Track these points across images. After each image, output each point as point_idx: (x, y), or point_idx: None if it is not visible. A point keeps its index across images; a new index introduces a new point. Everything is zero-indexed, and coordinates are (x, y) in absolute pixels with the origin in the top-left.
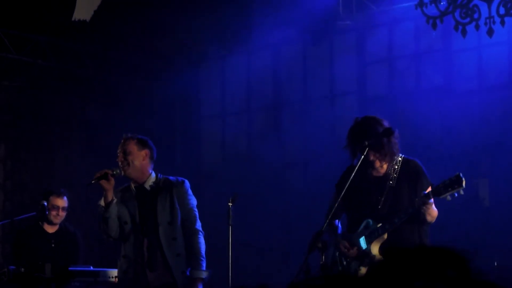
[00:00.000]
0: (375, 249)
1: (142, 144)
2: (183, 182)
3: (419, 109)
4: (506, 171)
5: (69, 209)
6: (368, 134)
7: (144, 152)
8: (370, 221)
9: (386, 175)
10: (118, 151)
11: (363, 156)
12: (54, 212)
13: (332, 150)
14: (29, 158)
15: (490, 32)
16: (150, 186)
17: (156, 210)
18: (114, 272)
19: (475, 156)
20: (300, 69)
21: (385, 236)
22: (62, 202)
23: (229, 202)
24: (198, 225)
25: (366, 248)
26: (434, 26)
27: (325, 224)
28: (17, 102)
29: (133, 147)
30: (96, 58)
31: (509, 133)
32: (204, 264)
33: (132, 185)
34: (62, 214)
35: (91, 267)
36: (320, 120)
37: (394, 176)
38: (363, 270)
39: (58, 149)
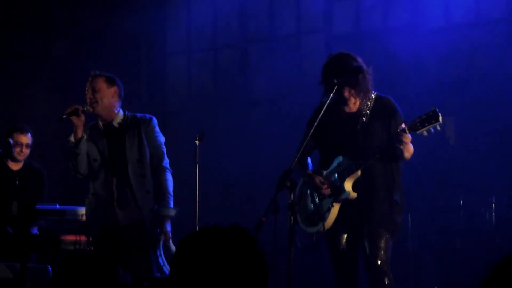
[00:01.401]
0: (348, 186)
1: (111, 81)
2: (150, 119)
3: (385, 47)
4: (472, 109)
5: (33, 146)
6: (343, 70)
7: (113, 90)
8: (343, 157)
9: (359, 111)
10: (86, 88)
11: (332, 94)
12: (18, 149)
13: (298, 88)
14: None
15: None
16: (118, 123)
17: (124, 148)
18: (81, 211)
19: (441, 94)
20: (267, 6)
21: (359, 172)
22: (26, 138)
23: (196, 140)
24: (166, 162)
25: (339, 184)
26: None
27: (294, 162)
28: None
29: (101, 84)
30: None
31: (474, 72)
32: (171, 202)
33: (100, 123)
34: (26, 151)
35: (57, 205)
36: (286, 58)
37: (367, 113)
38: (336, 206)
39: (23, 86)
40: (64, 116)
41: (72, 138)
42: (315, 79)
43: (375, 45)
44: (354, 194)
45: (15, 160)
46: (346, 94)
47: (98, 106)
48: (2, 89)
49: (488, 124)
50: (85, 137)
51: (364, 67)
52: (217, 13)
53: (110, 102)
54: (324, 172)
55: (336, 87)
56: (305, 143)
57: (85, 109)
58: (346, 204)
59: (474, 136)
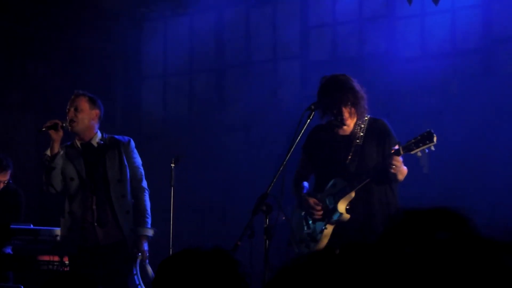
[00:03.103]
0: (341, 207)
1: (94, 103)
2: (129, 141)
3: (361, 75)
4: (446, 139)
5: (11, 176)
6: (345, 88)
7: (95, 112)
8: (338, 179)
9: (353, 134)
10: (68, 106)
11: (328, 116)
12: None
13: (274, 114)
14: None
15: (436, 0)
16: (98, 143)
17: (105, 167)
18: (55, 231)
19: (417, 122)
20: (243, 31)
21: (353, 194)
22: (5, 176)
23: (172, 163)
24: (144, 183)
25: (333, 206)
26: None
27: (270, 187)
28: None
29: (84, 104)
30: (38, 15)
31: (449, 101)
32: (149, 222)
33: (78, 142)
34: (2, 186)
35: (31, 225)
36: (262, 83)
37: (361, 135)
38: (329, 228)
39: None
40: (43, 129)
41: (48, 152)
42: (291, 105)
43: (351, 72)
44: (347, 216)
45: None
46: (346, 114)
47: (77, 125)
48: None
49: (461, 154)
50: (61, 152)
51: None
52: (193, 37)
53: (90, 123)
54: (319, 195)
55: (335, 105)
56: (301, 166)
57: (64, 125)
58: (342, 226)
59: (447, 166)
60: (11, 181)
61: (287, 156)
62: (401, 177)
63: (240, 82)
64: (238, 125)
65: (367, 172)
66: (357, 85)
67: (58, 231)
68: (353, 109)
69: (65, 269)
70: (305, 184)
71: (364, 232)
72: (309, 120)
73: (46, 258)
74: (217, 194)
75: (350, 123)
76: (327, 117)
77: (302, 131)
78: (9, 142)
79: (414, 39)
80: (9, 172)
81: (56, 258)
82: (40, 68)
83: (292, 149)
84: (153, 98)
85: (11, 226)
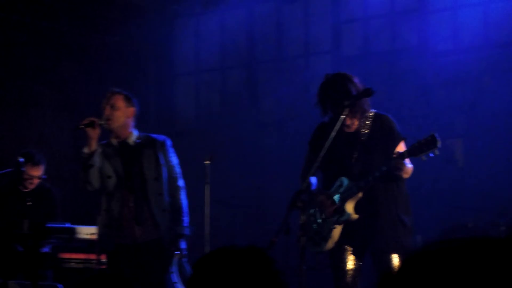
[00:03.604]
0: (349, 207)
1: (129, 100)
2: (165, 140)
3: (394, 69)
4: (480, 131)
5: (45, 173)
6: (339, 92)
7: (131, 110)
8: (344, 179)
9: (358, 131)
10: (104, 104)
11: (341, 116)
12: (29, 180)
13: (306, 109)
14: (2, 114)
15: None
16: (134, 142)
17: (142, 166)
18: (91, 229)
19: (449, 116)
20: (274, 27)
21: (360, 194)
22: (38, 171)
23: (206, 161)
24: (181, 182)
25: (340, 206)
26: None
27: (305, 183)
28: None
29: (120, 102)
30: (70, 13)
31: (483, 93)
32: (186, 220)
33: (114, 141)
34: (37, 181)
35: (68, 224)
36: (294, 79)
37: (366, 132)
38: (338, 228)
39: (32, 105)
40: (80, 127)
41: (86, 150)
42: None
43: (383, 66)
44: (355, 216)
45: (25, 188)
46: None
47: (114, 123)
48: (12, 108)
49: (497, 145)
50: (99, 150)
51: (359, 88)
52: (225, 33)
53: (126, 121)
54: (327, 192)
55: (340, 110)
56: (309, 163)
57: (101, 123)
58: (350, 224)
59: (483, 158)
60: (44, 176)
61: (322, 151)
62: (406, 176)
63: (271, 77)
64: (270, 121)
65: (372, 172)
66: (354, 86)
67: (94, 229)
68: (348, 111)
69: (102, 267)
70: (313, 180)
71: (371, 229)
72: (343, 116)
73: (83, 256)
74: (252, 191)
75: (351, 122)
76: (329, 115)
77: (337, 126)
78: (43, 141)
79: (446, 32)
80: (42, 167)
81: (93, 256)
82: (72, 67)
83: (327, 145)
84: (185, 95)
85: (48, 225)
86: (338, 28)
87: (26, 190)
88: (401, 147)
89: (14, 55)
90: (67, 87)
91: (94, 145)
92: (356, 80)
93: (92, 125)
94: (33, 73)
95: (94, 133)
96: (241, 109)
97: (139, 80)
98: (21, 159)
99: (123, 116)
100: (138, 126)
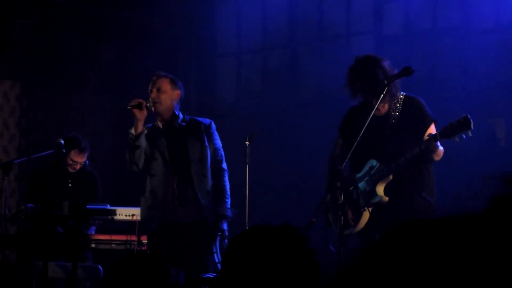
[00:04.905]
0: (380, 190)
1: (175, 84)
2: (211, 123)
3: (435, 48)
4: None
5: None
6: (366, 77)
7: (177, 93)
8: (374, 161)
9: (388, 113)
10: (150, 87)
11: (382, 95)
12: (72, 166)
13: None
14: (44, 96)
15: None
16: (179, 124)
17: (187, 148)
18: (132, 210)
19: (491, 95)
20: (316, 7)
21: (391, 177)
22: (82, 158)
23: (246, 141)
24: (225, 165)
25: (370, 189)
26: None
27: (344, 164)
28: (32, 40)
29: (167, 85)
30: None
31: None
32: (229, 202)
33: (160, 123)
34: (79, 167)
35: (108, 205)
36: (336, 59)
37: (396, 114)
38: (367, 210)
39: (73, 88)
40: (128, 108)
41: (133, 131)
42: None
43: (424, 46)
44: (386, 198)
45: (66, 170)
46: (371, 101)
47: (161, 106)
48: (54, 91)
49: None
50: (145, 131)
51: (387, 72)
52: (266, 14)
53: (172, 103)
54: (356, 175)
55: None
56: (336, 146)
57: (148, 105)
58: (379, 207)
59: None
60: (87, 162)
61: (360, 132)
62: (437, 158)
63: (313, 58)
64: (312, 101)
65: (404, 154)
66: (381, 69)
67: (135, 210)
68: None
69: (143, 248)
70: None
71: (400, 213)
72: (382, 95)
73: (123, 237)
74: (292, 171)
75: (382, 105)
76: (358, 99)
77: (374, 108)
78: (84, 124)
79: (488, 11)
80: (86, 154)
81: (134, 238)
82: (113, 49)
83: (365, 126)
84: (226, 76)
85: (88, 206)
86: (380, 8)
87: (69, 172)
88: (432, 129)
89: (56, 38)
90: (108, 69)
91: (140, 126)
92: (384, 63)
93: (139, 106)
94: (75, 55)
95: (141, 115)
96: (283, 90)
97: (180, 62)
98: (61, 141)
99: (169, 99)
100: (180, 107)
